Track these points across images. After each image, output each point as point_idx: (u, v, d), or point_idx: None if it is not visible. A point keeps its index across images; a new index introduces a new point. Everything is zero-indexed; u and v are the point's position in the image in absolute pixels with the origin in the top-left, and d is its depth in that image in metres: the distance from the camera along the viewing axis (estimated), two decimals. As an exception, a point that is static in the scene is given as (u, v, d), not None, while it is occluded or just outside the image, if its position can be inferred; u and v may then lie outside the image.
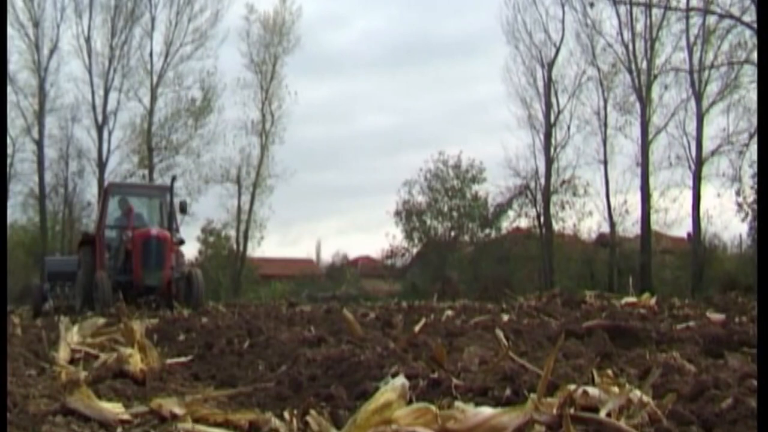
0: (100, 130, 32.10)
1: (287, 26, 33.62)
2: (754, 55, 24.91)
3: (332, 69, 50.73)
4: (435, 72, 52.39)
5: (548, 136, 29.69)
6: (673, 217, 28.36)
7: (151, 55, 32.27)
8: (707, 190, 27.29)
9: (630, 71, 28.26)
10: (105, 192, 17.90)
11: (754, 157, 25.35)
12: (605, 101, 29.21)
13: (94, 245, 16.72)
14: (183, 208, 17.67)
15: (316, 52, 47.85)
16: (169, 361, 4.79)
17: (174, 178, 18.40)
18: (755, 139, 25.18)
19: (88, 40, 32.07)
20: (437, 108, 50.54)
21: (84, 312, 13.58)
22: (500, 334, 4.69)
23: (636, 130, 28.35)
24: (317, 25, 52.09)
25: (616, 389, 2.71)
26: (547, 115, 29.85)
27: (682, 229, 28.57)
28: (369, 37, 54.78)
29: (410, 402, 2.72)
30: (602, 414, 2.53)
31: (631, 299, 10.27)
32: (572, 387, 2.66)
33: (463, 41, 51.45)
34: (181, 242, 17.17)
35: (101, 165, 32.16)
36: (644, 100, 27.82)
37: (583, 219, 30.09)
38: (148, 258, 15.41)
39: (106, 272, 15.53)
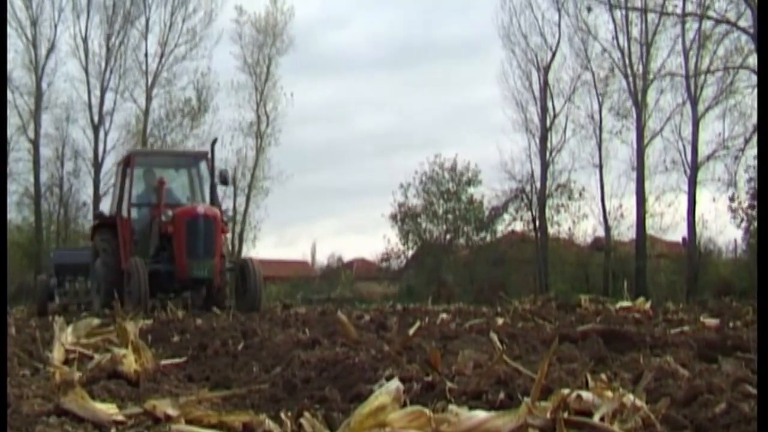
0: (96, 130, 32.09)
1: (280, 27, 33.60)
2: (750, 61, 25.01)
3: (331, 70, 50.78)
4: (434, 74, 52.42)
5: (544, 139, 29.71)
6: (669, 221, 28.43)
7: (146, 55, 32.30)
8: (702, 195, 27.36)
9: (626, 75, 28.30)
10: (125, 163, 14.33)
11: (750, 162, 25.42)
12: (601, 105, 29.28)
13: (113, 229, 13.75)
14: (224, 179, 14.10)
15: (315, 53, 47.82)
16: (163, 362, 4.78)
17: (215, 141, 14.61)
18: (750, 144, 25.27)
19: (85, 40, 32.10)
20: (435, 110, 50.51)
21: (104, 311, 10.90)
22: (495, 337, 4.69)
23: (631, 135, 28.42)
24: (317, 26, 52.11)
25: (609, 394, 2.71)
26: (542, 119, 29.88)
27: (677, 233, 28.64)
28: (369, 38, 54.86)
29: (404, 405, 2.72)
30: (596, 418, 2.53)
31: (626, 303, 10.28)
32: (566, 391, 2.67)
33: (464, 43, 51.52)
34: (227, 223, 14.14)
35: (97, 165, 32.14)
36: (640, 105, 27.85)
37: (578, 223, 30.16)
38: (194, 243, 12.60)
39: (140, 259, 12.52)
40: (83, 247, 19.44)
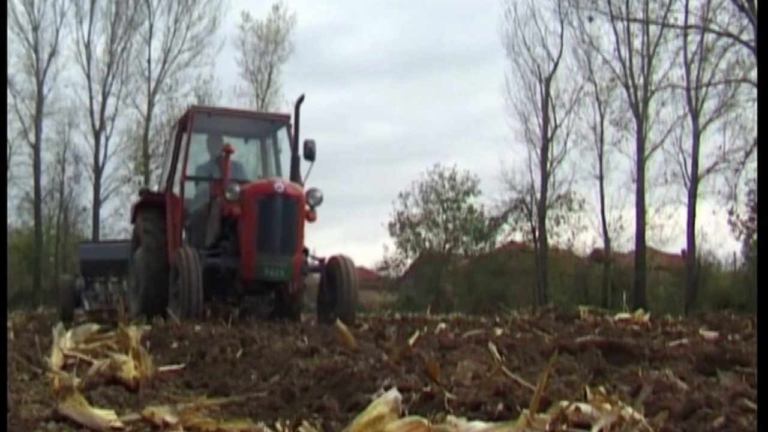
0: (97, 135, 32.12)
1: (281, 34, 33.65)
2: (752, 74, 25.03)
3: (335, 78, 50.79)
4: (437, 83, 52.42)
5: (545, 150, 29.77)
6: (668, 233, 28.48)
7: (149, 61, 32.34)
8: (702, 208, 27.39)
9: (627, 87, 28.37)
10: (182, 124, 11.13)
11: (750, 175, 25.45)
12: (602, 117, 29.37)
13: (161, 211, 10.78)
14: (311, 152, 10.32)
15: (320, 61, 47.82)
16: (161, 368, 4.78)
17: (302, 99, 10.24)
18: (751, 157, 25.29)
19: (87, 45, 32.17)
20: (437, 119, 50.55)
21: (142, 317, 9.19)
22: (493, 348, 4.69)
23: (632, 146, 28.49)
24: (322, 33, 52.16)
25: (608, 406, 2.71)
26: (544, 130, 29.95)
27: (677, 245, 28.67)
28: (373, 47, 54.86)
29: (403, 415, 2.72)
30: (594, 431, 2.53)
31: (625, 315, 10.25)
32: (565, 403, 2.67)
33: (466, 53, 51.54)
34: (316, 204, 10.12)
35: (97, 170, 32.16)
36: (641, 117, 27.91)
37: (578, 234, 30.18)
38: (269, 231, 9.54)
39: (193, 249, 9.61)
40: (118, 240, 17.00)
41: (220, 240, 9.92)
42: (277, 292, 10.51)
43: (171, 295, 9.70)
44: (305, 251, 10.13)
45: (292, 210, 9.73)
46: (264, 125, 11.88)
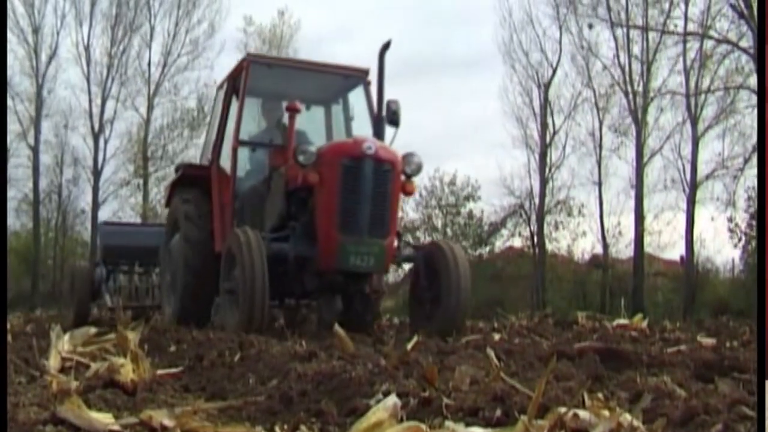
0: (96, 138, 32.10)
1: (285, 39, 33.65)
2: (750, 81, 25.05)
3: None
4: (436, 88, 52.40)
5: (543, 156, 29.77)
6: (667, 240, 28.48)
7: (149, 64, 32.36)
8: (701, 214, 27.39)
9: (626, 93, 28.36)
10: (232, 80, 9.02)
11: (749, 182, 25.46)
12: (601, 122, 29.34)
13: (204, 188, 8.86)
14: (395, 115, 8.24)
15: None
16: (159, 371, 4.77)
17: (388, 45, 7.97)
18: (750, 164, 25.31)
19: (87, 48, 32.14)
20: (436, 124, 50.53)
21: (183, 320, 8.03)
22: (491, 353, 4.69)
23: (631, 152, 28.46)
24: (322, 37, 52.20)
25: (606, 413, 2.71)
26: (542, 135, 29.94)
27: (675, 252, 28.66)
28: (373, 51, 54.66)
29: (401, 421, 2.72)
30: (592, 437, 2.54)
31: (623, 321, 10.28)
32: (563, 409, 2.67)
33: (466, 58, 51.59)
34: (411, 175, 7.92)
35: (96, 173, 32.13)
36: (640, 123, 27.90)
37: (576, 240, 30.19)
38: (357, 205, 7.46)
39: (255, 231, 7.41)
40: (149, 223, 13.83)
41: (286, 221, 7.83)
42: (377, 287, 8.73)
43: (223, 292, 7.66)
44: (399, 235, 8.11)
45: (386, 179, 7.59)
46: (335, 83, 9.42)
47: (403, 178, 7.82)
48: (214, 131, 9.29)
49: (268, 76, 8.90)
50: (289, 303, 9.00)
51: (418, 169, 7.84)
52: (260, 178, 8.58)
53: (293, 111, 8.01)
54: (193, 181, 9.08)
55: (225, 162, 8.81)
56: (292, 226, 7.72)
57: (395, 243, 7.84)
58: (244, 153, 8.76)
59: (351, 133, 9.13)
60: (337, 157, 7.54)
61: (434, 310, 7.71)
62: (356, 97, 9.32)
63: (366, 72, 9.10)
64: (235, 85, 8.93)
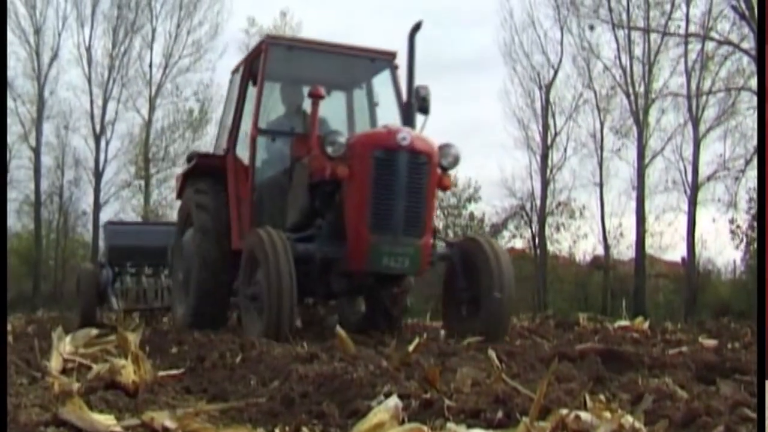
0: (97, 139, 32.11)
1: (287, 40, 33.54)
2: (752, 82, 25.04)
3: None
4: (437, 89, 52.29)
5: (545, 157, 29.76)
6: (668, 241, 28.46)
7: (150, 66, 32.37)
8: (702, 215, 27.37)
9: (627, 95, 28.36)
10: (249, 63, 8.43)
11: (750, 183, 25.45)
12: (602, 124, 29.33)
13: (219, 179, 8.22)
14: (425, 102, 7.59)
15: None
16: (161, 373, 4.78)
17: (418, 27, 7.38)
18: (751, 165, 25.30)
19: (88, 49, 32.14)
20: (438, 125, 50.50)
21: (197, 323, 7.60)
22: (493, 355, 4.69)
23: (632, 154, 28.45)
24: (328, 38, 52.04)
25: (608, 414, 2.71)
26: (543, 137, 29.93)
27: (677, 253, 28.64)
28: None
29: (403, 422, 2.72)
30: (594, 439, 2.54)
31: (625, 323, 10.28)
32: (564, 411, 2.67)
33: (467, 59, 51.54)
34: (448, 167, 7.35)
35: (98, 174, 32.14)
36: (641, 124, 27.90)
37: (578, 241, 30.17)
38: (391, 201, 6.87)
39: (278, 231, 6.83)
40: (156, 222, 13.41)
41: (309, 216, 7.26)
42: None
43: (244, 297, 7.07)
44: (435, 232, 7.49)
45: (422, 172, 6.97)
46: (360, 67, 8.65)
47: (439, 171, 7.26)
48: (229, 118, 8.65)
49: (288, 59, 8.25)
50: (307, 302, 8.50)
51: (456, 161, 7.28)
52: (279, 169, 7.96)
53: (317, 97, 7.41)
54: (207, 171, 8.44)
55: (241, 151, 8.27)
56: (318, 224, 7.16)
57: (431, 242, 7.21)
58: (261, 142, 8.10)
59: (375, 121, 8.57)
60: (369, 149, 6.94)
61: (474, 311, 7.20)
62: (380, 82, 8.67)
63: (394, 55, 8.43)
64: (252, 69, 8.31)
